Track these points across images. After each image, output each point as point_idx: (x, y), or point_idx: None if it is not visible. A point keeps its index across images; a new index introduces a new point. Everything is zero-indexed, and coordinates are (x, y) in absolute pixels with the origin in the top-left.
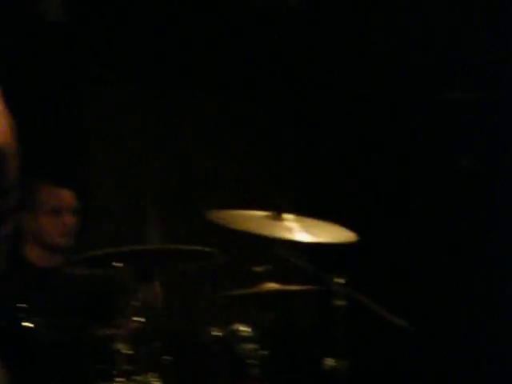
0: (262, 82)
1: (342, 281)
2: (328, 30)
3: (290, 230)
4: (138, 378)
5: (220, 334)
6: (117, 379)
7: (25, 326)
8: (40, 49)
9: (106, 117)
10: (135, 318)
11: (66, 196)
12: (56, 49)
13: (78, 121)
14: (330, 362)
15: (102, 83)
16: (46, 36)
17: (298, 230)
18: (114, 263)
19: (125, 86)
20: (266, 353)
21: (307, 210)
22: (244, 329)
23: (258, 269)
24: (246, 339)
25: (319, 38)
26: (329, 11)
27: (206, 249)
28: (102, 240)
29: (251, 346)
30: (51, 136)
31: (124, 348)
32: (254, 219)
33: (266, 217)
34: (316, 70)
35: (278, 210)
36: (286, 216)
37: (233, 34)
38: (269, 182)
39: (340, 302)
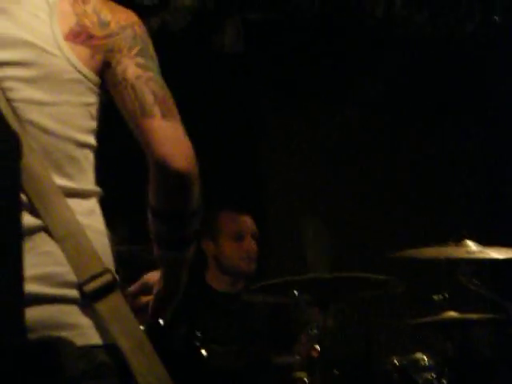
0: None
1: None
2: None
3: (472, 252)
4: None
5: (400, 362)
6: None
7: (201, 353)
8: (216, 79)
9: (280, 145)
10: (313, 346)
11: (247, 222)
12: (232, 79)
13: (253, 148)
14: None
15: (274, 112)
16: (222, 67)
17: (480, 252)
18: (292, 291)
19: (296, 113)
20: (445, 382)
21: (485, 235)
22: (424, 358)
23: (437, 297)
24: (426, 368)
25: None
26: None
27: (382, 277)
28: (279, 267)
29: (430, 375)
30: (230, 163)
31: (302, 376)
32: (437, 247)
33: (448, 244)
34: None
35: (458, 236)
36: (467, 242)
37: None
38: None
39: None
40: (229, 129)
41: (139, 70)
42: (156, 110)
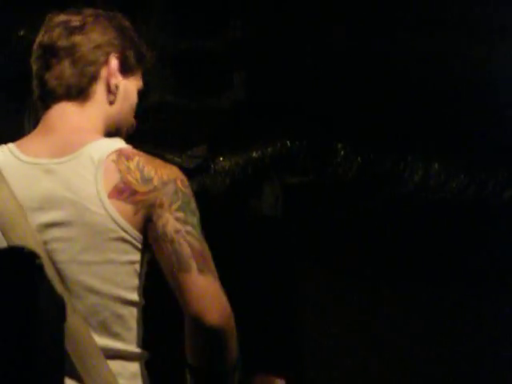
0: None
1: None
2: None
3: None
4: None
5: None
6: None
7: None
8: (253, 242)
9: (317, 310)
10: None
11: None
12: (269, 242)
13: (291, 310)
14: None
15: (310, 277)
16: (260, 228)
17: None
18: None
19: (332, 279)
20: None
21: None
22: None
23: None
24: None
25: None
26: None
27: None
28: None
29: None
30: (267, 324)
31: None
32: None
33: None
34: None
35: None
36: None
37: None
38: None
39: None
40: (266, 290)
41: (178, 225)
42: (193, 265)
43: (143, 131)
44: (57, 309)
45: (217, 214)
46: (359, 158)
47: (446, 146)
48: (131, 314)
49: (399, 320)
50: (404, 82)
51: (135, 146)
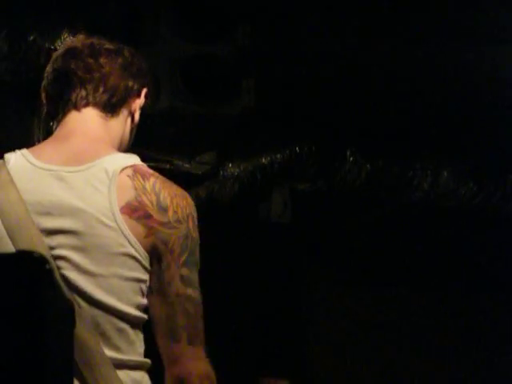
0: None
1: None
2: None
3: None
4: None
5: None
6: None
7: None
8: (263, 248)
9: (326, 315)
10: None
11: None
12: (278, 248)
13: (298, 316)
14: None
15: (320, 282)
16: (268, 234)
17: None
18: None
19: (343, 286)
20: None
21: None
22: None
23: None
24: None
25: None
26: None
27: None
28: None
29: None
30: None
31: None
32: None
33: None
34: None
35: None
36: None
37: None
38: None
39: None
40: (274, 296)
41: (182, 287)
42: (183, 336)
43: (152, 137)
44: (66, 314)
45: (225, 220)
46: (368, 165)
47: (454, 153)
48: (133, 329)
49: (407, 324)
50: (413, 90)
51: (145, 153)
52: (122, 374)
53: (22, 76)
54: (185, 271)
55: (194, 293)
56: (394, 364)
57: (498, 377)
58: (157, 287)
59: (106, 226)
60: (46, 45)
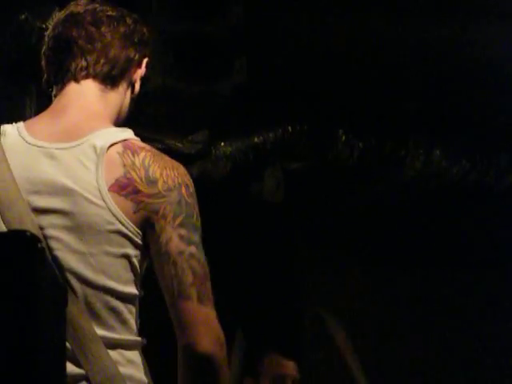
0: None
1: None
2: None
3: None
4: None
5: None
6: None
7: None
8: (255, 227)
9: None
10: None
11: (290, 367)
12: (271, 227)
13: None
14: None
15: (312, 261)
16: (261, 214)
17: None
18: None
19: (332, 266)
20: None
21: None
22: None
23: None
24: None
25: None
26: None
27: None
28: None
29: None
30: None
31: None
32: None
33: None
34: None
35: None
36: None
37: None
38: None
39: None
40: (268, 274)
41: (182, 245)
42: (193, 293)
43: (144, 116)
44: (58, 293)
45: (218, 199)
46: (361, 144)
47: (447, 132)
48: (125, 307)
49: (398, 302)
50: (405, 68)
51: (136, 132)
52: (116, 353)
53: (13, 55)
54: (183, 231)
55: (197, 251)
56: (390, 338)
57: (483, 345)
58: (157, 252)
59: (95, 204)
60: (38, 24)
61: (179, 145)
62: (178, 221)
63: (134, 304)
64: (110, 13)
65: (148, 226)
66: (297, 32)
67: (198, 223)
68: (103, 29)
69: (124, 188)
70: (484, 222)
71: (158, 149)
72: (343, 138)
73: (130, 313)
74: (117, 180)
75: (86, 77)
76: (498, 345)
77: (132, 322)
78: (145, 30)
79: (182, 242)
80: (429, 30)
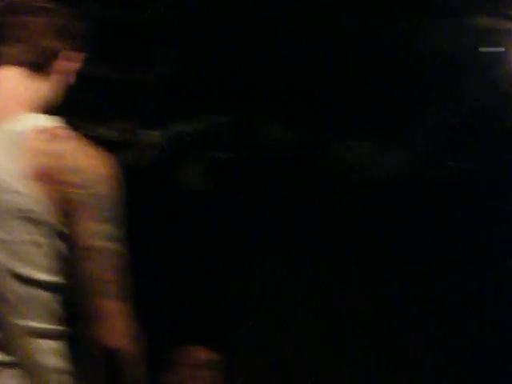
0: None
1: None
2: None
3: None
4: None
5: None
6: None
7: None
8: (183, 216)
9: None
10: None
11: (204, 353)
12: (196, 215)
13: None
14: None
15: (240, 250)
16: (187, 203)
17: None
18: None
19: (262, 252)
20: None
21: None
22: None
23: None
24: None
25: None
26: None
27: None
28: None
29: None
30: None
31: None
32: None
33: None
34: None
35: None
36: None
37: None
38: None
39: None
40: (193, 263)
41: (96, 240)
42: (105, 290)
43: (69, 104)
44: None
45: (143, 187)
46: (289, 135)
47: (378, 124)
48: (47, 295)
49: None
50: (334, 61)
51: (64, 120)
52: (39, 342)
53: None
54: (96, 225)
55: (112, 246)
56: (385, 337)
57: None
58: (73, 242)
59: (14, 191)
60: None
61: (104, 132)
62: (96, 213)
63: (56, 292)
64: (45, 4)
65: (67, 217)
66: (223, 21)
67: (119, 216)
68: (36, 19)
69: (45, 176)
70: (418, 213)
71: (84, 137)
72: (271, 128)
73: (52, 302)
74: (39, 167)
75: (12, 63)
76: (496, 344)
77: (54, 310)
78: (78, 24)
79: (97, 236)
80: (354, 20)
